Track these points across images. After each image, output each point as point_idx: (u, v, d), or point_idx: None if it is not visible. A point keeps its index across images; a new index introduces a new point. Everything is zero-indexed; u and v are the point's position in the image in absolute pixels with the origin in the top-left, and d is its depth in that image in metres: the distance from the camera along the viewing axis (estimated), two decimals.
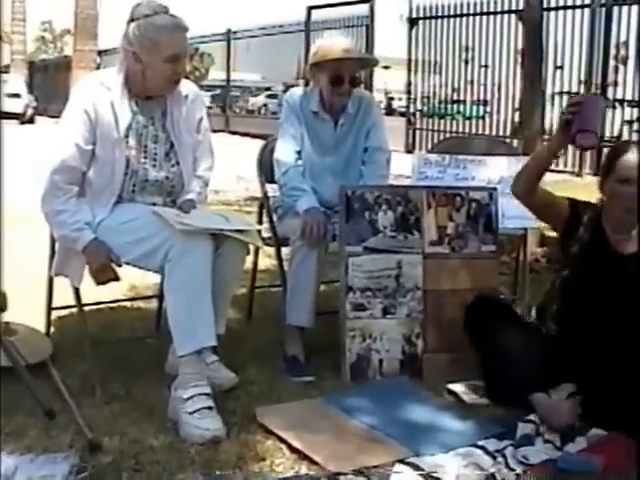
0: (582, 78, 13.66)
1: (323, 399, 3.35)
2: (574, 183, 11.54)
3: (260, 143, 4.40)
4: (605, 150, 13.11)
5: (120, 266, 3.34)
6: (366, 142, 4.10)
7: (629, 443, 2.88)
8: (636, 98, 13.14)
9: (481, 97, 16.21)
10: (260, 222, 4.26)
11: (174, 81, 3.40)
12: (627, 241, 3.30)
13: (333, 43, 3.97)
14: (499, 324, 3.41)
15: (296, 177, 3.95)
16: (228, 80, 25.07)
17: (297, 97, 4.06)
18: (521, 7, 8.77)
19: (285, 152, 4.00)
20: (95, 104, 3.31)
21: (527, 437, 2.96)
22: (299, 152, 4.03)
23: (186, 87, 3.53)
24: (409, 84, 17.47)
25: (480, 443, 2.94)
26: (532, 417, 3.07)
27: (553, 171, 12.71)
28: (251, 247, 3.66)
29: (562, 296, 3.38)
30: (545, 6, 9.25)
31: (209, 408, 3.02)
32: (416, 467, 2.76)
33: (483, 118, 16.33)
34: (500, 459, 2.81)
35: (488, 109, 16.17)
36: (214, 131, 4.06)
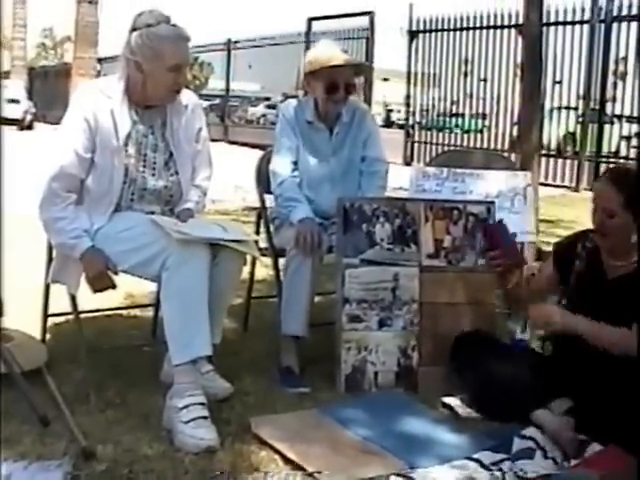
0: (581, 93, 13.69)
1: (318, 410, 3.34)
2: (570, 198, 11.58)
3: (259, 153, 4.40)
4: (603, 166, 13.23)
5: (117, 274, 3.34)
6: (364, 152, 4.11)
7: (625, 456, 2.87)
8: (634, 114, 13.17)
9: (480, 111, 16.26)
10: (257, 232, 4.25)
11: (175, 91, 3.41)
12: (622, 267, 3.29)
13: (328, 52, 3.98)
14: (486, 352, 3.45)
15: (291, 188, 3.96)
16: (227, 90, 25.10)
17: (292, 108, 4.08)
18: (521, 22, 8.78)
19: (281, 164, 4.01)
20: (95, 112, 3.31)
21: (526, 451, 2.96)
22: (295, 163, 4.04)
23: (186, 97, 3.54)
24: (408, 97, 17.50)
25: (475, 456, 2.94)
26: (529, 432, 3.06)
27: (550, 185, 12.76)
28: (248, 257, 3.66)
29: None
30: (545, 21, 9.25)
31: (204, 418, 3.02)
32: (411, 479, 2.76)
33: (481, 132, 16.37)
34: (497, 473, 2.80)
35: (486, 123, 16.21)
36: (213, 140, 4.07)
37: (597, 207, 3.24)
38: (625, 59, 13.23)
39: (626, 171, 3.30)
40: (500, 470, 2.82)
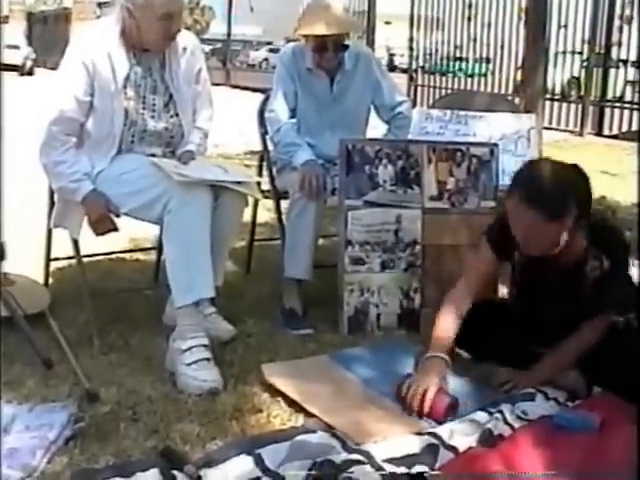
0: (586, 37, 13.55)
1: (328, 356, 3.30)
2: (575, 142, 11.51)
3: (260, 97, 4.36)
4: (607, 110, 13.13)
5: (119, 217, 3.34)
6: (378, 100, 4.12)
7: (624, 401, 2.88)
8: None
9: (483, 55, 16.07)
10: (260, 175, 4.24)
11: (169, 38, 3.36)
12: (562, 256, 2.98)
13: (313, 17, 3.89)
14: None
15: (290, 133, 3.94)
16: (229, 34, 24.89)
17: (290, 54, 4.03)
18: None
19: (277, 111, 3.98)
20: (92, 55, 3.28)
21: (527, 394, 2.96)
22: (293, 110, 4.02)
23: (184, 39, 3.49)
24: (411, 40, 17.30)
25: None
26: None
27: (554, 129, 12.67)
28: (250, 199, 3.65)
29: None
30: None
31: (207, 359, 3.03)
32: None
33: (485, 76, 16.20)
34: (497, 415, 2.80)
35: (490, 67, 16.04)
36: (214, 85, 4.03)
37: (516, 226, 2.88)
38: (632, 3, 13.05)
39: (540, 186, 2.78)
40: (500, 412, 2.82)
